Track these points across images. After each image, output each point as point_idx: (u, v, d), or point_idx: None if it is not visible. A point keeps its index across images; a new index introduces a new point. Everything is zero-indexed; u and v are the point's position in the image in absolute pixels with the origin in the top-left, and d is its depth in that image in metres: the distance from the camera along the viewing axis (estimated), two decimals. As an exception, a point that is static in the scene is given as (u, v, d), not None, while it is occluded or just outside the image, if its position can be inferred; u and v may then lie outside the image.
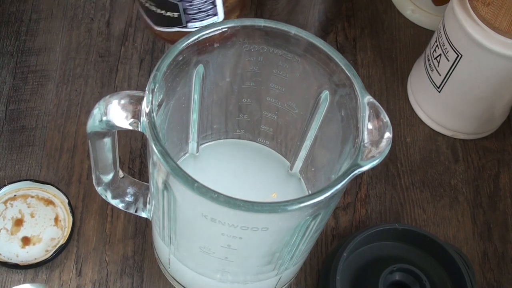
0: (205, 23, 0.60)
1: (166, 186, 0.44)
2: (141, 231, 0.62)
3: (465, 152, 0.69)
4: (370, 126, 0.43)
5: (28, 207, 0.61)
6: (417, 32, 0.77)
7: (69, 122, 0.67)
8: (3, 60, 0.70)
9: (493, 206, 0.67)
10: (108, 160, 0.51)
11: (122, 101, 0.44)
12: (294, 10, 0.70)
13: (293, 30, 0.47)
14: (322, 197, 0.41)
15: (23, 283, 0.58)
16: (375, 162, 0.42)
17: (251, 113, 0.56)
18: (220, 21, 0.47)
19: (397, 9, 0.78)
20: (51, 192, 0.62)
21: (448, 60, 0.64)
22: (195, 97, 0.52)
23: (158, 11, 0.61)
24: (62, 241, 0.59)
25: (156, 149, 0.41)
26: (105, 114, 0.45)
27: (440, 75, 0.66)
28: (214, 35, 0.47)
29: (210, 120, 0.56)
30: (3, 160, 0.64)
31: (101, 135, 0.48)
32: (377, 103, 0.44)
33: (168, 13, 0.60)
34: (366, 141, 0.43)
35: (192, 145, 0.57)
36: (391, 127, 0.43)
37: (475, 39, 0.60)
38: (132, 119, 0.45)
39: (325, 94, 0.49)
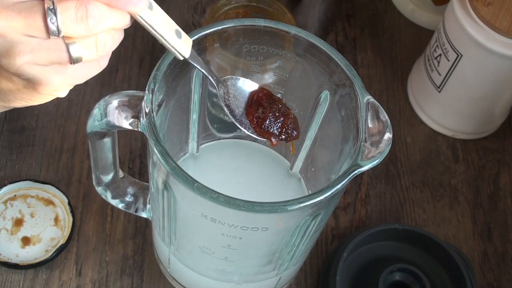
0: None
1: (166, 186, 0.44)
2: (141, 231, 0.62)
3: (465, 152, 0.69)
4: (370, 126, 0.43)
5: (28, 207, 0.61)
6: (417, 32, 0.77)
7: (69, 122, 0.67)
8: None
9: (493, 206, 0.66)
10: (108, 160, 0.51)
11: (122, 101, 0.44)
12: (294, 10, 0.70)
13: (293, 30, 0.47)
14: (322, 197, 0.41)
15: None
16: (375, 162, 0.42)
17: (251, 113, 0.56)
18: (220, 22, 0.47)
19: (397, 9, 0.78)
20: (51, 192, 0.62)
21: (448, 60, 0.64)
22: (195, 97, 0.52)
23: None
24: (62, 241, 0.59)
25: (156, 149, 0.41)
26: (105, 114, 0.45)
27: (440, 75, 0.66)
28: (214, 35, 0.47)
29: (210, 120, 0.56)
30: (3, 160, 0.64)
31: (101, 135, 0.48)
32: (377, 103, 0.44)
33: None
34: (366, 141, 0.43)
35: (192, 145, 0.57)
36: (391, 127, 0.43)
37: (475, 39, 0.60)
38: (132, 119, 0.45)
39: (325, 94, 0.49)
